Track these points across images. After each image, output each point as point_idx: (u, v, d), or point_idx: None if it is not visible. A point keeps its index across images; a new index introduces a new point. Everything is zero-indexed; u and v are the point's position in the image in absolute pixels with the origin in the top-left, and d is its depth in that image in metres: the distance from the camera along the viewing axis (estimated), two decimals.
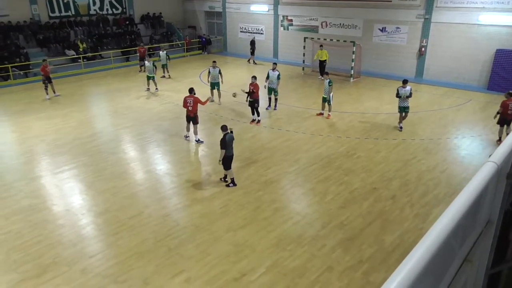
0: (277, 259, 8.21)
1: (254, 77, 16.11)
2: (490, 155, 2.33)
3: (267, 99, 18.28)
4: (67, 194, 11.01)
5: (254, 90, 15.72)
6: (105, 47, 29.46)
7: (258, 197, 10.69)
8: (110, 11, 31.67)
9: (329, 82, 16.41)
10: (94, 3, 30.64)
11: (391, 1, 23.77)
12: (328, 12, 26.83)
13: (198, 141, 14.48)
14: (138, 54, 26.62)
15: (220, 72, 18.83)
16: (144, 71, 23.12)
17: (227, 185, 11.31)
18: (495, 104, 18.57)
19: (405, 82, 15.13)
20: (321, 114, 17.15)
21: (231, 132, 11.29)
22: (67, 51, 27.37)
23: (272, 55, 30.30)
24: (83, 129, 15.94)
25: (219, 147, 11.01)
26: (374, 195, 10.76)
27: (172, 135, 15.19)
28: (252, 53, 29.01)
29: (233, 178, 11.34)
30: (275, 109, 18.20)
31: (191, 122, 14.37)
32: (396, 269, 1.44)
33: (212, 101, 18.77)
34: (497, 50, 20.60)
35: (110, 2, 31.53)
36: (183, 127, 15.04)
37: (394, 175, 11.92)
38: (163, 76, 24.44)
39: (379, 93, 20.87)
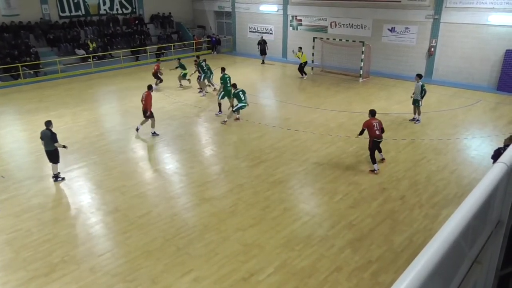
0: (286, 259, 8.21)
1: (372, 113, 12.25)
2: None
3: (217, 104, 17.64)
4: (76, 193, 11.09)
5: (364, 128, 12.09)
6: (115, 47, 29.66)
7: (267, 197, 10.69)
8: (120, 11, 31.82)
9: (422, 86, 15.65)
10: (104, 3, 30.78)
11: (400, 1, 23.64)
12: (338, 12, 26.77)
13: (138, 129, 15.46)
14: None
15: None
16: None
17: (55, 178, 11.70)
18: (505, 104, 18.46)
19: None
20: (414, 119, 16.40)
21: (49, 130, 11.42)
22: (77, 51, 27.58)
23: (281, 55, 30.30)
24: (92, 128, 16.04)
25: (227, 147, 11.02)
26: (384, 195, 10.72)
27: (181, 134, 15.22)
28: (262, 53, 28.88)
29: (57, 173, 11.70)
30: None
31: None
32: (405, 270, 1.44)
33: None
34: (506, 50, 20.39)
35: (120, 2, 31.67)
36: (192, 126, 15.02)
37: (404, 175, 11.87)
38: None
39: (388, 93, 20.77)
